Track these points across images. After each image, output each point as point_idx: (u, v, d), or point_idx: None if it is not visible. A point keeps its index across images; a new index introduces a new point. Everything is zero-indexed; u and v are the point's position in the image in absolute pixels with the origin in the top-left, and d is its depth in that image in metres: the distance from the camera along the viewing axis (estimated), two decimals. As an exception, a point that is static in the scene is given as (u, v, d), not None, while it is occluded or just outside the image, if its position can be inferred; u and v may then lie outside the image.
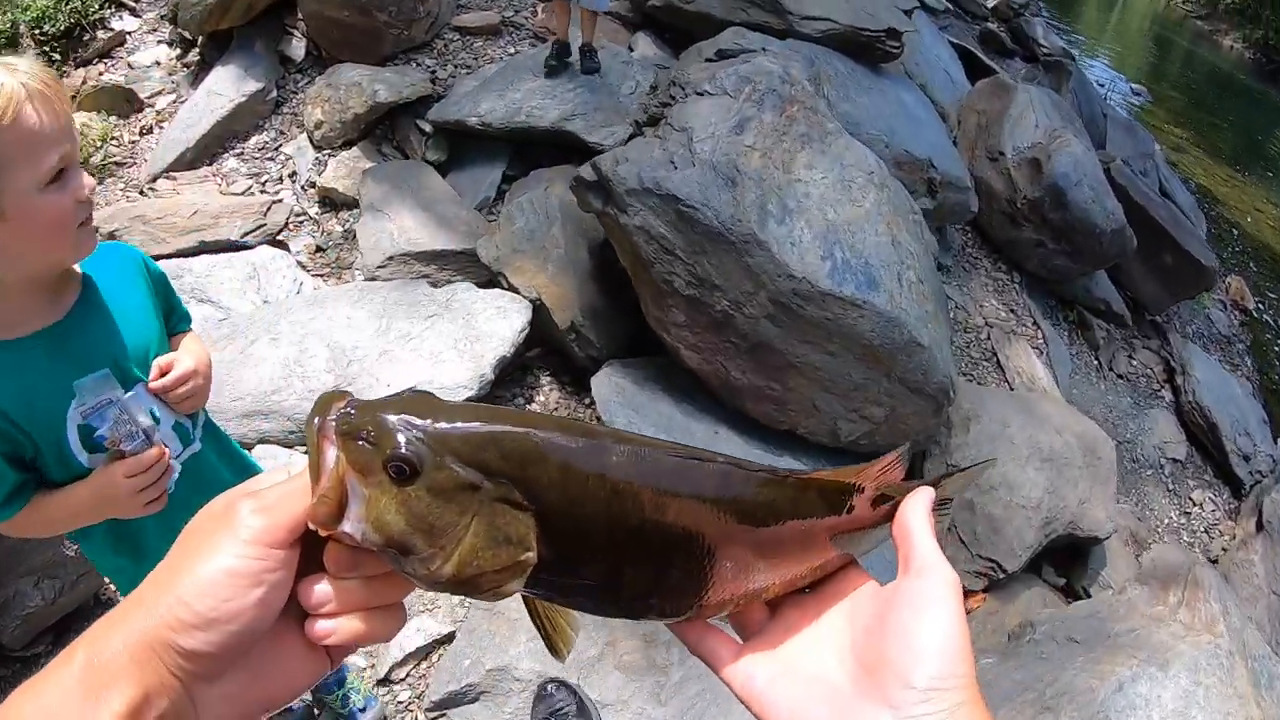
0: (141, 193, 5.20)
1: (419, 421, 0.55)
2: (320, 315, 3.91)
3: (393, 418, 0.55)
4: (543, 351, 4.05)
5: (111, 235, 4.57)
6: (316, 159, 5.23)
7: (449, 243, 4.32)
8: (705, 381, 3.71)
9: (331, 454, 0.55)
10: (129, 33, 6.21)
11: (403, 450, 0.54)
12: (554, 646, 0.66)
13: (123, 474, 1.55)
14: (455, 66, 5.70)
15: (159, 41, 6.14)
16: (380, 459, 0.54)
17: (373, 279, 4.27)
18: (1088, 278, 6.74)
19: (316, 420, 0.56)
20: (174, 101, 5.73)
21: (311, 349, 3.78)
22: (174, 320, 1.93)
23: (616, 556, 0.61)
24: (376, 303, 3.94)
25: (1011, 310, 5.94)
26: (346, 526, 0.55)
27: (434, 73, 5.63)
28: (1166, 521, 5.70)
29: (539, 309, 3.89)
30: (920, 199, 5.40)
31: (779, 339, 3.54)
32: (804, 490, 0.69)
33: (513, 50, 5.94)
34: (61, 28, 5.97)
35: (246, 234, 4.51)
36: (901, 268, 3.78)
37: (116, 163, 5.39)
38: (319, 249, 4.77)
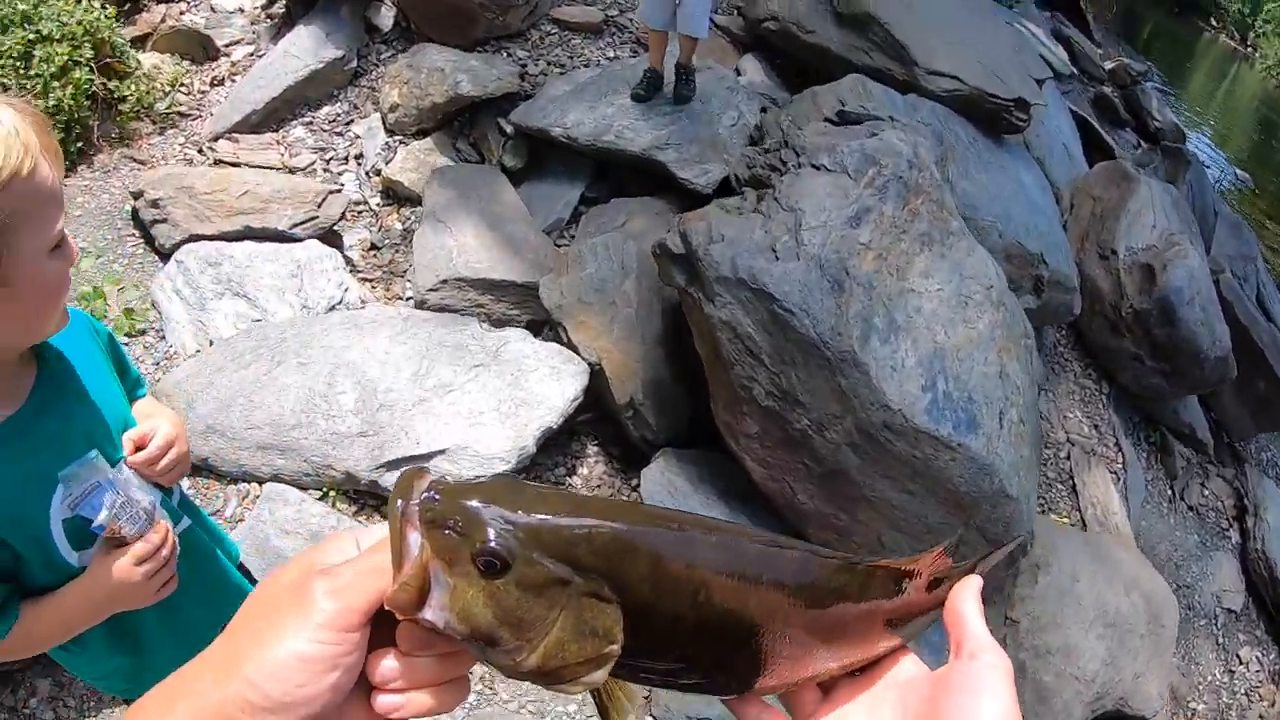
0: (200, 150, 4.80)
1: (509, 514, 0.53)
2: (356, 343, 3.48)
3: (482, 508, 0.53)
4: (594, 417, 3.61)
5: (155, 204, 4.18)
6: (386, 144, 4.80)
7: (511, 272, 3.87)
8: (767, 497, 3.26)
9: (415, 540, 0.52)
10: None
11: (493, 544, 0.52)
12: (608, 718, 0.63)
13: (134, 562, 1.34)
14: (548, 64, 5.22)
15: (246, -16, 5.72)
16: (468, 550, 0.52)
17: (422, 303, 3.83)
18: (1179, 398, 6.19)
19: (400, 504, 0.53)
20: (251, 55, 5.31)
21: (340, 384, 3.37)
22: (128, 385, 1.58)
23: (693, 642, 0.59)
24: (420, 339, 3.50)
25: (1095, 426, 5.41)
26: (428, 614, 0.52)
27: (524, 67, 5.16)
28: (1210, 679, 5.20)
29: (597, 374, 3.45)
30: (1024, 296, 4.89)
31: (857, 470, 3.08)
32: (869, 576, 0.67)
33: (612, 55, 5.45)
34: (150, -40, 5.57)
35: (296, 225, 4.09)
36: (1005, 404, 3.30)
37: (180, 113, 4.99)
38: (374, 246, 4.34)
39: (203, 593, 1.59)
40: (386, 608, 0.53)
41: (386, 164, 4.65)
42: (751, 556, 0.61)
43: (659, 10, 4.39)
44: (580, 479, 3.51)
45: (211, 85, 5.17)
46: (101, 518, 1.30)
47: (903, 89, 5.09)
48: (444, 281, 3.80)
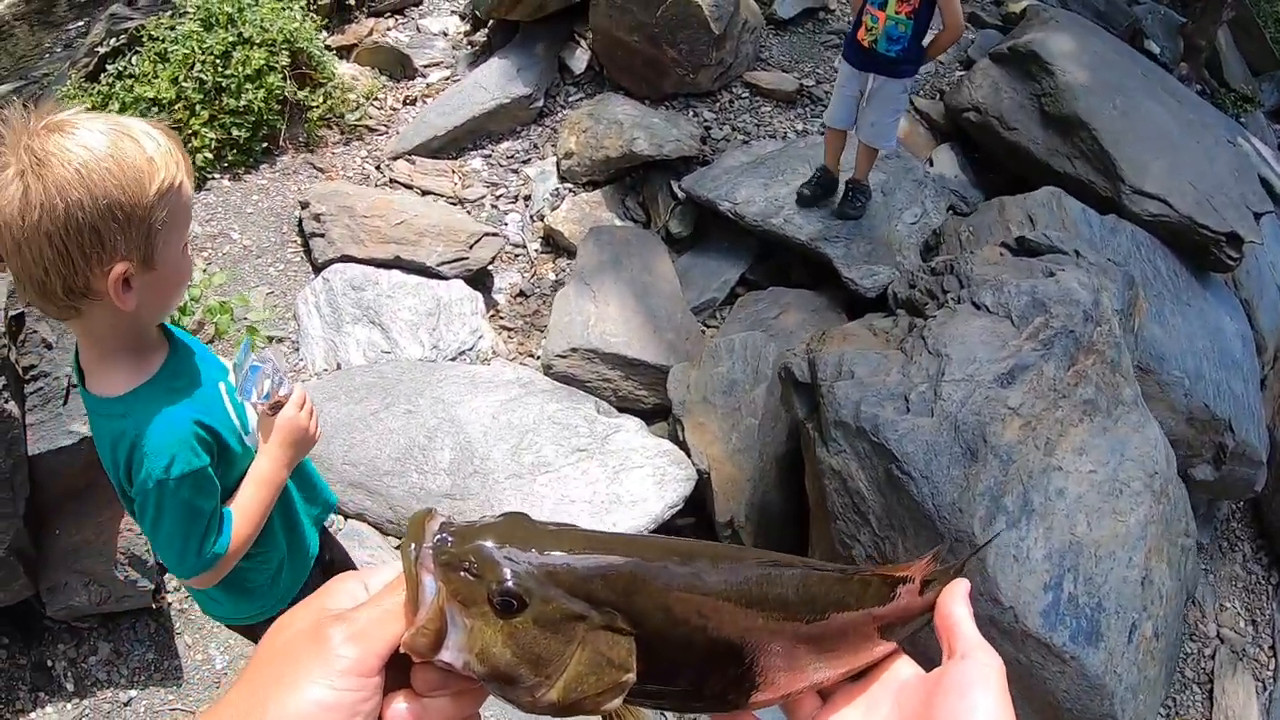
0: (378, 167, 4.78)
1: (523, 553, 0.52)
2: (467, 401, 3.32)
3: (495, 549, 0.52)
4: (695, 524, 3.32)
5: (317, 217, 4.15)
6: (556, 190, 4.64)
7: (646, 351, 3.62)
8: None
9: (430, 584, 0.51)
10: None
11: (509, 584, 0.51)
12: None
13: (297, 409, 1.65)
14: (733, 128, 4.94)
15: (453, 11, 5.69)
16: (484, 591, 0.51)
17: (548, 368, 3.64)
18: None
19: (413, 548, 0.52)
20: (446, 79, 5.27)
21: (441, 440, 3.21)
22: None
23: (703, 665, 0.60)
24: (530, 411, 3.30)
25: (1253, 621, 4.66)
26: (446, 656, 0.51)
27: (708, 129, 4.90)
28: None
29: (704, 482, 3.18)
30: (1201, 465, 4.27)
31: (959, 653, 2.68)
32: (865, 585, 0.68)
33: (801, 127, 5.11)
34: (364, -30, 5.62)
35: (444, 263, 3.97)
36: (1141, 616, 2.81)
37: (368, 126, 5.00)
38: (522, 293, 4.19)
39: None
40: (404, 651, 0.52)
41: (551, 210, 4.50)
42: (755, 579, 0.62)
43: (844, 110, 4.02)
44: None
45: (404, 104, 5.16)
46: (266, 386, 1.59)
47: (1104, 207, 4.55)
48: (574, 350, 3.60)
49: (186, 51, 4.60)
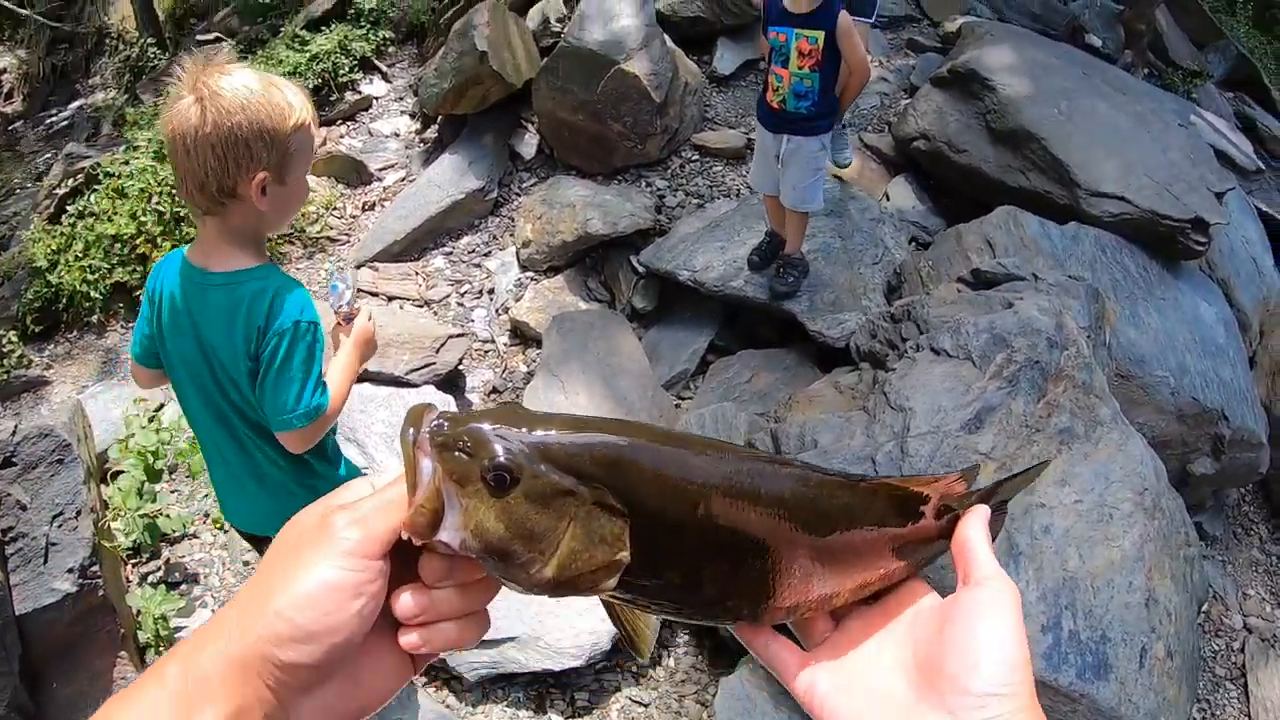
0: (342, 278, 4.74)
1: (515, 431, 0.53)
2: (447, 514, 3.24)
3: (489, 428, 0.53)
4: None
5: (286, 340, 4.10)
6: (519, 280, 4.57)
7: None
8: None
9: (427, 466, 0.53)
10: (376, 98, 5.79)
11: (501, 459, 0.52)
12: (635, 647, 0.65)
13: (367, 318, 2.02)
14: (686, 194, 4.87)
15: (402, 112, 5.69)
16: (478, 469, 0.52)
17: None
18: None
19: (411, 432, 0.53)
20: (402, 180, 5.24)
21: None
22: None
23: (698, 557, 0.59)
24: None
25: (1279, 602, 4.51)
26: (444, 535, 0.53)
27: (662, 198, 4.84)
28: None
29: (688, 565, 3.07)
30: (1200, 459, 4.13)
31: (968, 711, 2.55)
32: (874, 497, 0.66)
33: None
34: (310, 85, 5.61)
35: (412, 370, 3.90)
36: (1150, 638, 2.68)
37: (330, 237, 4.96)
38: (495, 389, 4.11)
39: None
40: (404, 534, 0.53)
41: (515, 301, 4.43)
42: (749, 469, 0.61)
43: (768, 174, 3.84)
44: (664, 670, 3.11)
45: (363, 210, 5.13)
46: (347, 296, 1.99)
47: (1063, 215, 4.45)
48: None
49: (143, 185, 4.61)
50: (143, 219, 4.54)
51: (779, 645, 0.67)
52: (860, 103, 5.36)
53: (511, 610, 2.97)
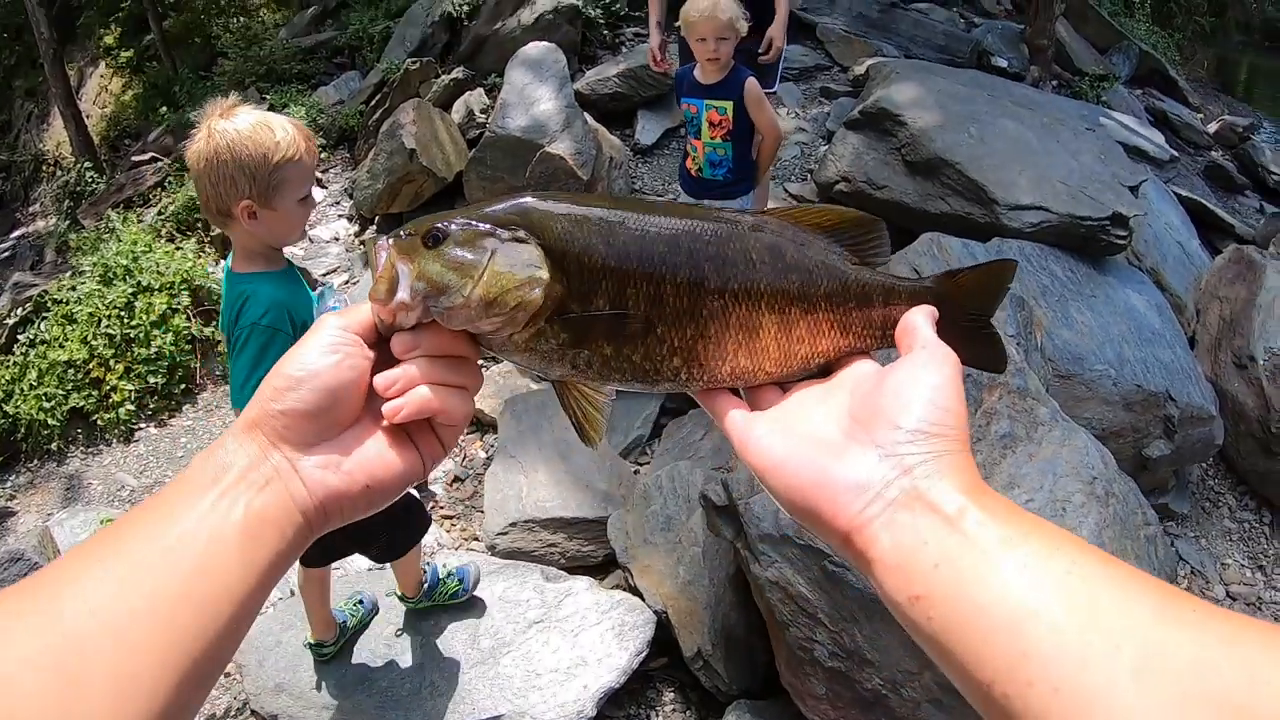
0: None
1: (447, 215, 0.67)
2: (420, 604, 3.27)
3: (428, 217, 0.67)
4: (670, 663, 3.23)
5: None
6: (470, 367, 4.65)
7: (583, 507, 3.58)
8: (852, 758, 2.80)
9: (384, 255, 0.65)
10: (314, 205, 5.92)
11: (436, 225, 0.66)
12: (585, 434, 0.72)
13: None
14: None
15: (340, 215, 5.81)
16: (419, 239, 0.65)
17: (493, 547, 3.59)
18: (1353, 509, 5.25)
19: (377, 243, 0.67)
20: (346, 283, 5.34)
21: (400, 647, 3.15)
22: None
23: (621, 282, 0.67)
24: (484, 594, 3.24)
25: (1259, 567, 4.58)
26: (400, 294, 0.64)
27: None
28: None
29: (665, 623, 3.10)
30: (1154, 443, 4.24)
31: (948, 725, 2.60)
32: (820, 266, 0.72)
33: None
34: (250, 201, 5.74)
35: (374, 469, 3.95)
36: (1120, 627, 2.74)
37: (281, 349, 5.03)
38: (457, 479, 4.16)
39: None
40: (370, 304, 0.65)
41: (467, 389, 4.50)
42: (657, 206, 0.71)
43: None
44: (656, 732, 3.14)
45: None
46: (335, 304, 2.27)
47: (986, 233, 4.60)
48: (513, 524, 3.54)
49: (91, 309, 4.68)
50: (93, 343, 4.60)
51: (724, 397, 0.70)
52: (781, 154, 5.54)
53: (495, 689, 2.99)
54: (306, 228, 2.44)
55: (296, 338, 1.93)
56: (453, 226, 0.65)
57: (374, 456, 0.63)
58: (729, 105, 3.70)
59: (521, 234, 0.66)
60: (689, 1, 3.55)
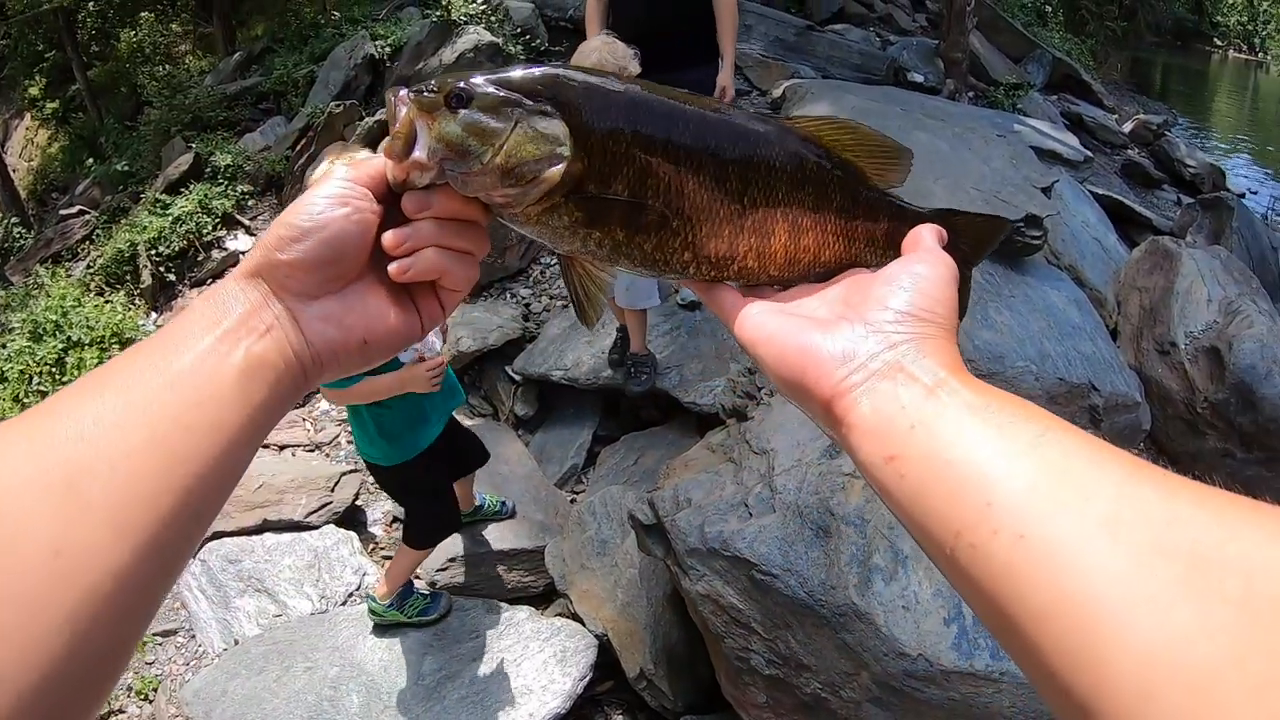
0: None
1: (473, 75, 0.64)
2: (361, 642, 3.25)
3: (452, 75, 0.64)
4: (616, 685, 3.25)
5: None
6: (404, 402, 4.65)
7: (519, 540, 3.59)
8: (797, 764, 2.83)
9: (404, 110, 0.63)
10: (242, 253, 5.88)
11: (460, 84, 0.63)
12: (584, 314, 0.72)
13: (427, 369, 2.68)
14: (550, 298, 5.03)
15: (268, 261, 5.78)
16: (442, 98, 0.63)
17: (434, 583, 3.57)
18: (1283, 480, 5.41)
19: (395, 92, 0.64)
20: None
21: (346, 687, 3.13)
22: None
23: (641, 173, 0.66)
24: (424, 631, 3.24)
25: (1195, 545, 4.71)
26: (416, 153, 0.62)
27: (527, 305, 4.99)
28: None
29: (607, 646, 3.12)
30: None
31: (888, 724, 2.64)
32: (825, 173, 0.72)
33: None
34: (176, 248, 5.69)
35: (311, 513, 3.92)
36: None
37: (215, 398, 4.97)
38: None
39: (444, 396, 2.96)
40: (384, 159, 0.63)
41: (401, 428, 4.49)
42: (689, 99, 0.69)
43: None
44: (611, 752, 3.15)
45: (243, 365, 5.16)
46: (417, 346, 2.52)
47: (903, 241, 4.72)
48: (452, 560, 3.54)
49: (21, 367, 4.59)
50: (26, 401, 4.51)
51: (723, 290, 0.71)
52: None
53: (463, 711, 2.98)
54: None
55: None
56: (479, 89, 0.63)
57: (374, 313, 0.64)
58: None
59: (548, 107, 0.64)
60: (579, 53, 3.47)
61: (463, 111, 0.62)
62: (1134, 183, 8.21)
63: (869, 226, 0.74)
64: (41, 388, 4.54)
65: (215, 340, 0.57)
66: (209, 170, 6.50)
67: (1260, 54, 35.23)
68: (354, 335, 0.63)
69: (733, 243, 0.69)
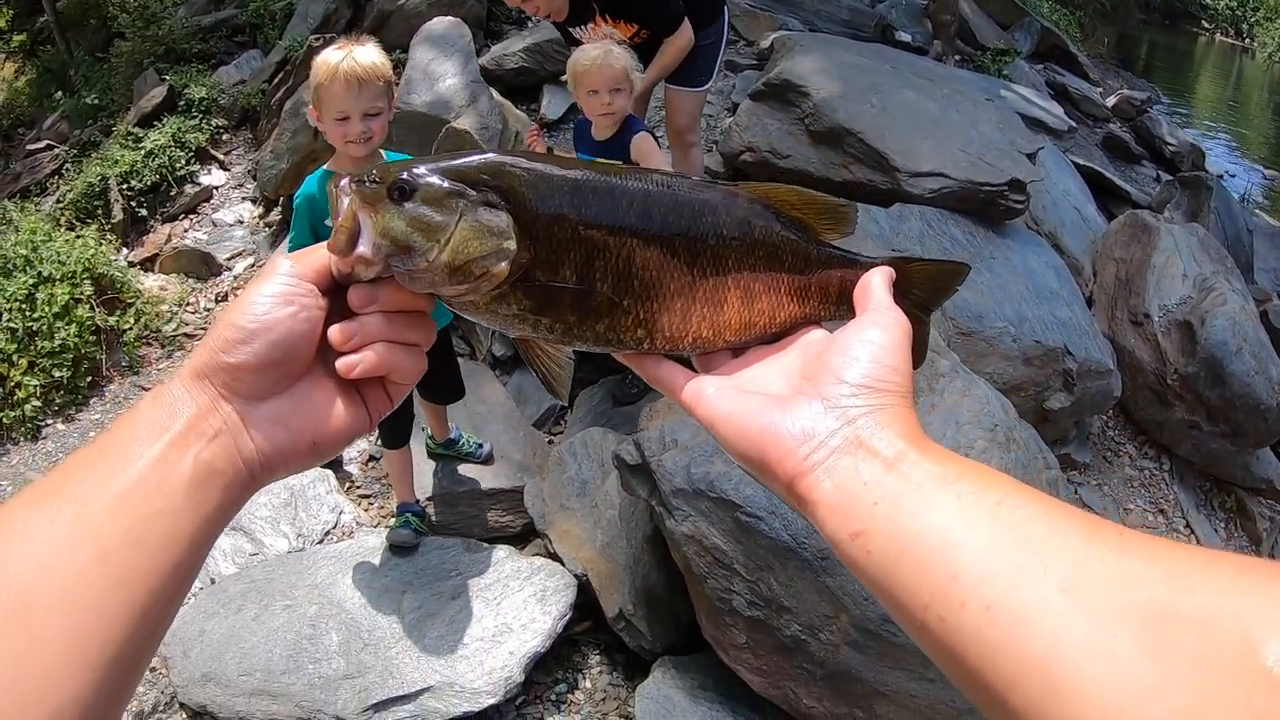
0: (206, 372, 4.70)
1: (415, 164, 0.64)
2: (340, 579, 3.25)
3: (394, 165, 0.64)
4: (593, 626, 3.28)
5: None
6: (382, 342, 4.62)
7: (498, 479, 3.59)
8: (772, 704, 2.88)
9: (346, 201, 0.63)
10: (216, 187, 5.79)
11: (403, 176, 0.63)
12: (554, 389, 0.73)
13: None
14: (532, 235, 5.01)
15: (244, 198, 5.69)
16: (384, 189, 0.62)
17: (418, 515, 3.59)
18: (1247, 454, 5.55)
19: (339, 184, 0.64)
20: (252, 265, 5.24)
21: (325, 624, 3.13)
22: None
23: (589, 255, 0.66)
24: (402, 569, 3.25)
25: (1160, 510, 4.83)
26: (361, 248, 0.62)
27: (510, 243, 4.96)
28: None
29: (586, 585, 3.15)
30: (1055, 395, 4.42)
31: (864, 667, 2.69)
32: (775, 238, 0.72)
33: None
34: (148, 182, 5.59)
35: (287, 449, 3.90)
36: (1022, 565, 2.87)
37: (187, 334, 4.93)
38: (372, 458, 4.14)
39: None
40: (329, 254, 0.63)
41: (382, 363, 4.47)
42: (633, 175, 0.69)
43: None
44: (583, 692, 3.17)
45: (216, 301, 5.11)
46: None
47: (888, 199, 4.74)
48: (430, 499, 3.55)
49: (-10, 303, 4.49)
50: (-9, 339, 4.44)
51: (670, 366, 0.71)
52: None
53: (423, 661, 3.00)
54: (349, 153, 2.70)
55: (308, 225, 2.69)
56: (421, 180, 0.63)
57: (322, 412, 0.63)
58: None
59: (492, 196, 0.64)
60: (577, 51, 3.30)
61: (406, 204, 0.62)
62: (1114, 156, 8.26)
63: (822, 283, 0.74)
64: (11, 324, 4.45)
65: (164, 447, 0.57)
66: (183, 104, 6.38)
67: (1247, 40, 35.40)
68: (303, 438, 0.63)
69: (685, 315, 0.69)
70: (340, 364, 0.63)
